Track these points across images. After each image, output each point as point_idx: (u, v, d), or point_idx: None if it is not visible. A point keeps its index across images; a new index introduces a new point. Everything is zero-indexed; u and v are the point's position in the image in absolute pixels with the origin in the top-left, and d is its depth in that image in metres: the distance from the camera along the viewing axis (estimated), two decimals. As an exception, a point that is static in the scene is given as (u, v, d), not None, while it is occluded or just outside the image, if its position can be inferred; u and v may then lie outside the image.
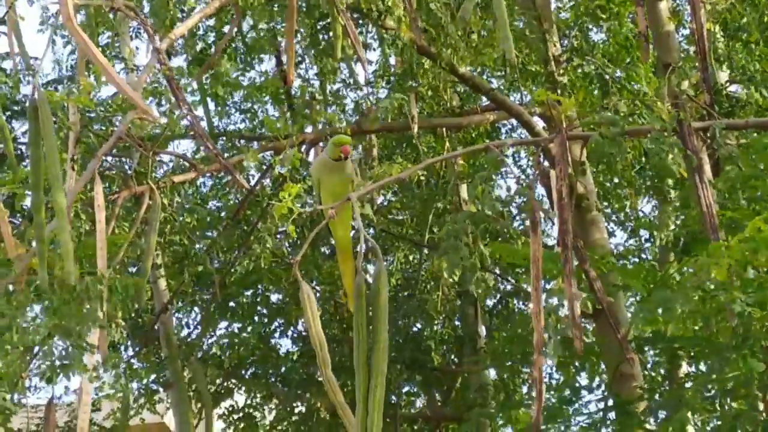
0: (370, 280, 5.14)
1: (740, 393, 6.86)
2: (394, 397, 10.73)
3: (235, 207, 9.99)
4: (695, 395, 6.73)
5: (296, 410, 11.09)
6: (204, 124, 10.16)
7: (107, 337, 9.27)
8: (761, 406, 6.65)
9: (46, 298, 6.15)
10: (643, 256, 10.57)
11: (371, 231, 10.99)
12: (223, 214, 10.46)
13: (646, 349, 8.08)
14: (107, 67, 6.48)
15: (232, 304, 10.74)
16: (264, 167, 9.23)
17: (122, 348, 10.57)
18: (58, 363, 6.61)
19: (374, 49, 10.30)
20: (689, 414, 6.74)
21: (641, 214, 11.30)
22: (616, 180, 10.79)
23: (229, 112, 11.02)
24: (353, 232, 5.24)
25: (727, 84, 8.91)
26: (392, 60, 9.74)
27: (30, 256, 6.29)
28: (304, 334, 10.54)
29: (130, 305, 8.71)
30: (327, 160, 5.21)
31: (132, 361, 10.45)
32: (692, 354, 7.58)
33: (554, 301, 5.54)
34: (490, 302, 11.61)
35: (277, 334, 10.94)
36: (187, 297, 10.64)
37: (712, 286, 5.89)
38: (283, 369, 10.62)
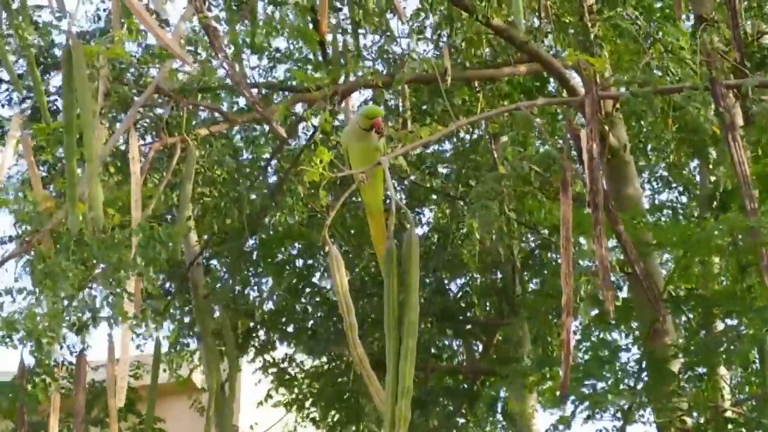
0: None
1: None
2: (432, 350, 10.75)
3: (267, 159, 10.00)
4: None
5: (333, 364, 11.14)
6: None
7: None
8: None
9: (84, 244, 6.16)
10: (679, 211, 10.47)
11: (405, 183, 10.93)
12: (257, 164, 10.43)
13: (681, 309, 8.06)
14: (143, 14, 6.46)
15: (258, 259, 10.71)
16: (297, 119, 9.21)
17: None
18: (89, 314, 6.63)
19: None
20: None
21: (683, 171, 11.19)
22: (650, 135, 10.64)
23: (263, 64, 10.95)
24: (387, 197, 5.18)
25: (758, 36, 8.81)
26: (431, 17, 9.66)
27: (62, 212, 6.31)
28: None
29: (165, 255, 8.75)
30: (356, 128, 5.18)
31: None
32: (726, 313, 7.55)
33: (586, 261, 5.51)
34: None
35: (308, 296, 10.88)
36: (220, 248, 10.63)
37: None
38: (311, 323, 10.59)
